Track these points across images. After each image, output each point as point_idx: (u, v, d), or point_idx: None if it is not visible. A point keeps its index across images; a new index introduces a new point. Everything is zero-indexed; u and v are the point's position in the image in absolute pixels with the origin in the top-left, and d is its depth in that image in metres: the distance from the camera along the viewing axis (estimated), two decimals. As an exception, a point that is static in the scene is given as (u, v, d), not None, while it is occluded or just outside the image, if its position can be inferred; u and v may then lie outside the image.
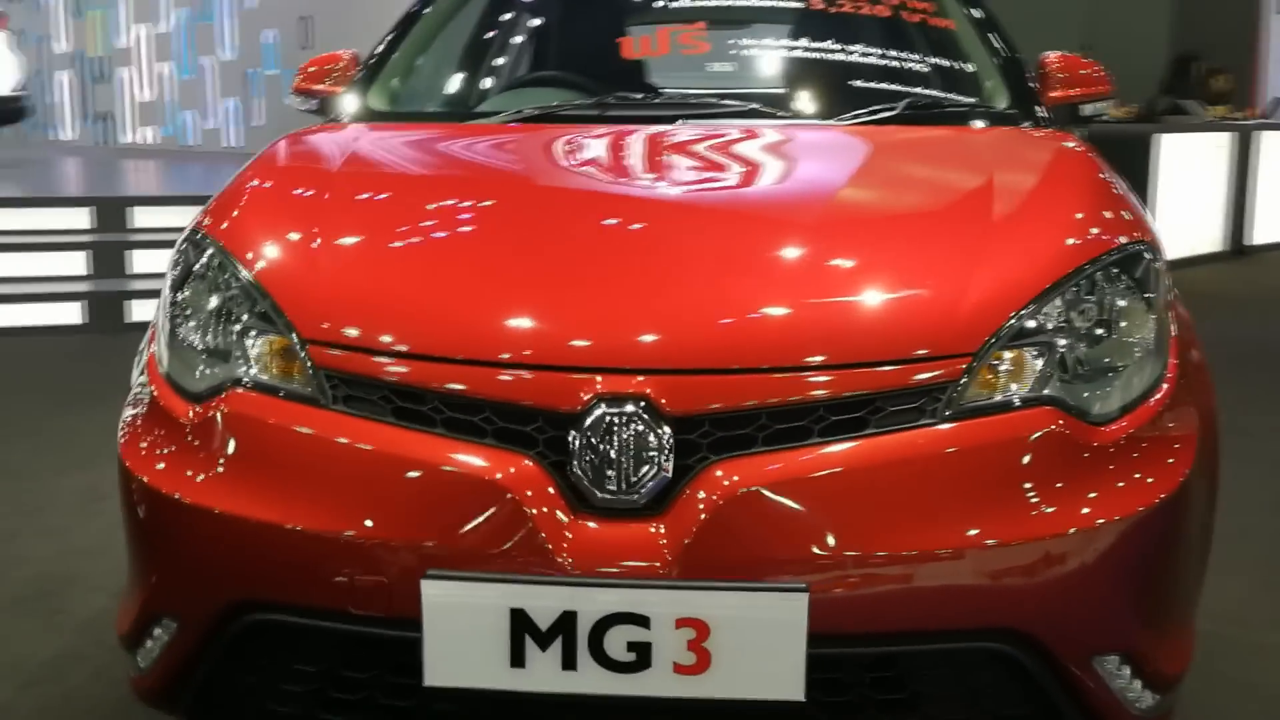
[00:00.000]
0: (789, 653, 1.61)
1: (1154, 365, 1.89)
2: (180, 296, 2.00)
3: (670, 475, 1.66)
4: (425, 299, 1.86)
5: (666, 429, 1.67)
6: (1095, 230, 2.01)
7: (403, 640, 1.67)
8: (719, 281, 1.85)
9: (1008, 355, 1.78)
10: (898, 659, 1.68)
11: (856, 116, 2.58)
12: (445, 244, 2.03)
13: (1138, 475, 1.76)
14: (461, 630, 1.64)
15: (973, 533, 1.66)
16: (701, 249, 1.92)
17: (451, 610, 1.64)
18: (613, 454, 1.66)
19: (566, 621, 1.62)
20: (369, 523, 1.70)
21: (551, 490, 1.67)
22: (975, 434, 1.71)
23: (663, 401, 1.68)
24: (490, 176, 2.43)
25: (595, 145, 2.51)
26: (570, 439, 1.68)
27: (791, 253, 1.96)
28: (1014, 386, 1.77)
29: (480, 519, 1.67)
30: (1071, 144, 2.46)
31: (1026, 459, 1.71)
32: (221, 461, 1.81)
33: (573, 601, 1.62)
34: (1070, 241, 1.96)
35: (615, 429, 1.67)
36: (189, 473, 1.83)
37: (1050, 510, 1.69)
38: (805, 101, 2.89)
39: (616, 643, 1.62)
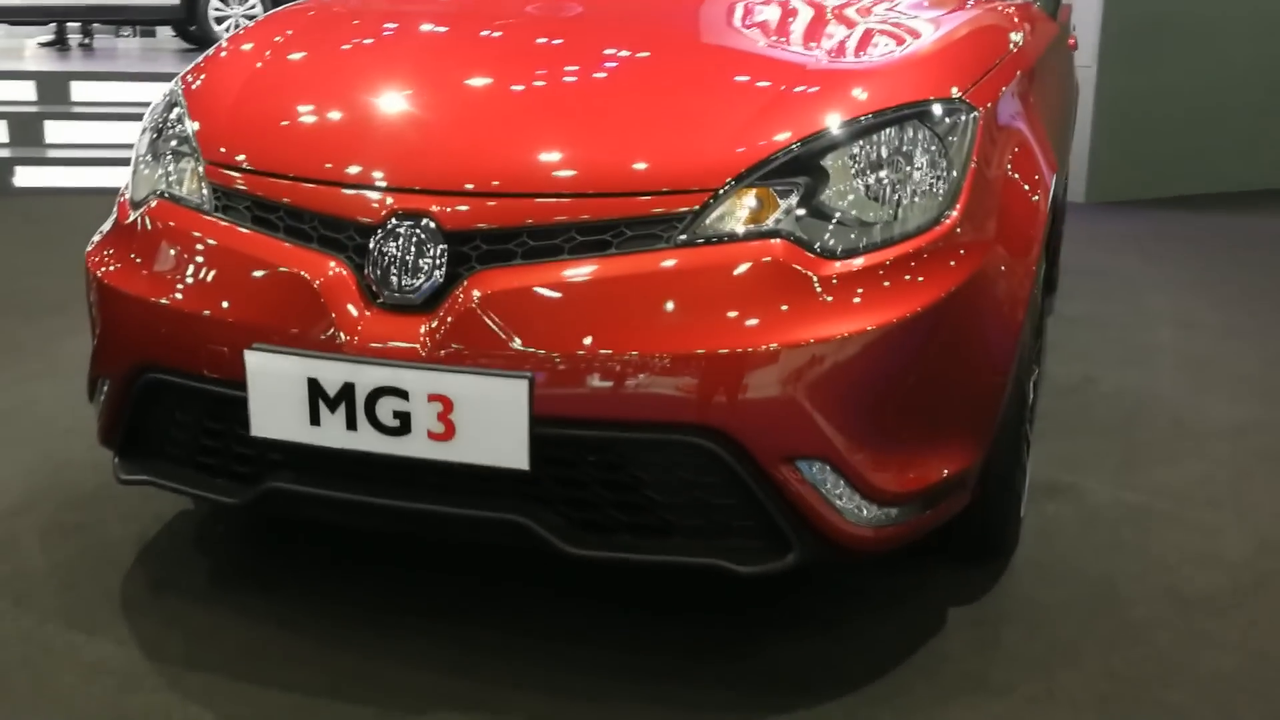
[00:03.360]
0: (514, 428, 1.94)
1: (921, 214, 2.06)
2: (148, 134, 2.47)
3: (443, 280, 2.01)
4: (281, 130, 2.29)
5: (443, 242, 2.01)
6: (890, 84, 2.19)
7: (240, 399, 2.10)
8: (506, 120, 2.19)
9: (753, 192, 2.01)
10: (615, 444, 1.98)
11: None
12: (316, 87, 2.41)
13: (862, 307, 1.96)
14: (274, 393, 2.05)
15: (683, 341, 1.92)
16: (507, 93, 2.26)
17: (267, 376, 2.05)
18: (397, 260, 2.02)
19: (347, 391, 2.00)
20: (221, 304, 2.13)
21: (351, 287, 2.05)
22: (703, 259, 1.97)
23: (443, 219, 2.02)
24: (387, 31, 2.76)
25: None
26: (370, 246, 2.05)
27: (579, 96, 2.25)
28: (751, 220, 2.00)
29: (295, 305, 2.06)
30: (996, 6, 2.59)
31: (746, 283, 1.95)
32: (137, 255, 2.28)
33: (351, 375, 2.00)
34: (856, 92, 2.16)
35: (401, 240, 2.02)
36: (116, 264, 2.30)
37: (758, 328, 1.93)
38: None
39: (385, 410, 1.99)
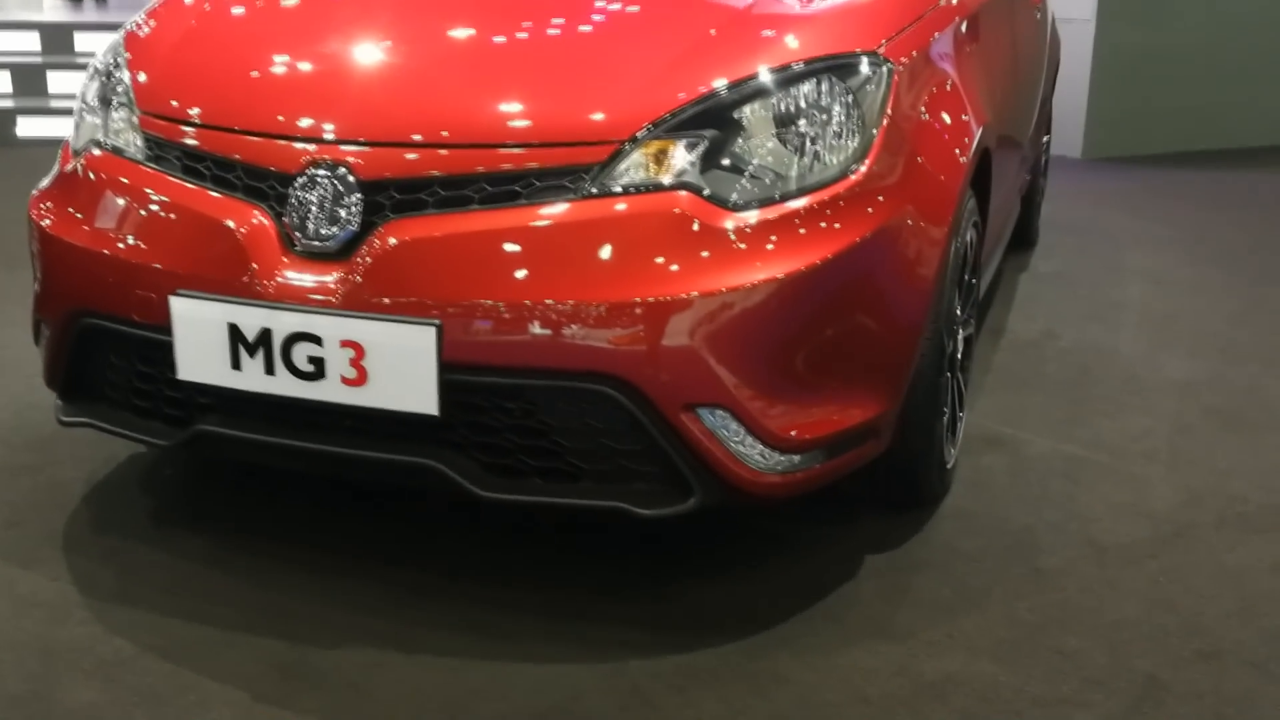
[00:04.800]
0: (424, 375, 2.00)
1: (828, 167, 2.10)
2: (91, 83, 2.52)
3: (357, 228, 2.06)
4: (209, 81, 2.34)
5: (358, 191, 2.06)
6: (805, 38, 2.22)
7: (168, 343, 2.16)
8: (422, 72, 2.25)
9: (660, 144, 2.05)
10: (523, 391, 2.03)
11: None
12: (246, 40, 2.47)
13: (762, 259, 2.01)
14: (197, 338, 2.11)
15: (586, 291, 1.97)
16: (424, 45, 2.32)
17: (190, 322, 2.11)
18: (314, 208, 2.07)
19: (265, 336, 2.06)
20: (150, 251, 2.19)
21: (271, 235, 2.10)
22: (608, 210, 2.01)
23: (359, 168, 2.07)
24: None
25: None
26: (289, 194, 2.10)
27: (493, 47, 2.30)
28: (658, 172, 2.04)
29: (218, 252, 2.12)
30: None
31: (649, 235, 2.00)
32: (75, 203, 2.35)
33: (269, 320, 2.05)
34: (769, 46, 2.19)
35: (319, 188, 2.08)
36: (55, 212, 2.37)
37: (658, 279, 1.97)
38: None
39: (300, 356, 2.05)
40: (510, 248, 2.01)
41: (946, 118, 2.41)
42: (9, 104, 7.46)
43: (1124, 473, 2.81)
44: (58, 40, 8.05)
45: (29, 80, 7.65)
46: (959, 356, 2.66)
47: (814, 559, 2.39)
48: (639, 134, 2.04)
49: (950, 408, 2.61)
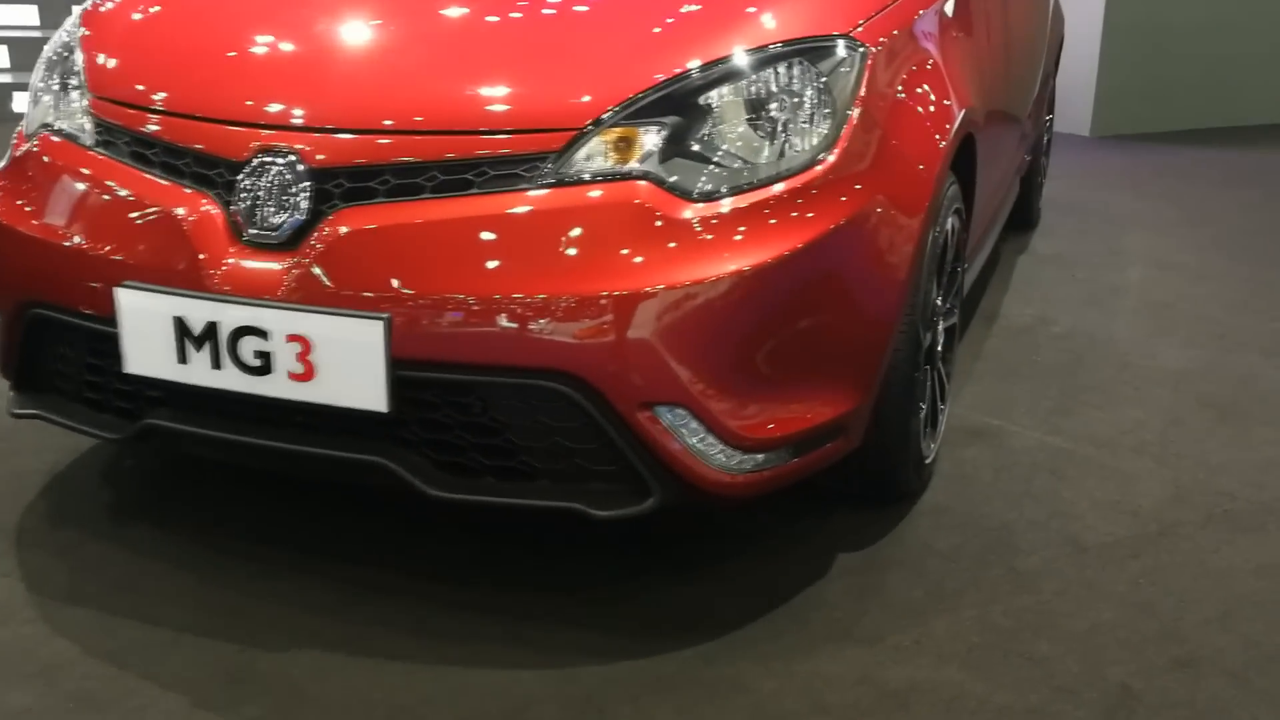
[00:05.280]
0: (372, 370, 1.93)
1: (795, 156, 2.02)
2: (45, 66, 2.45)
3: (305, 218, 1.98)
4: (159, 65, 2.27)
5: (307, 180, 1.99)
6: (772, 20, 2.13)
7: (116, 335, 2.10)
8: (373, 57, 2.17)
9: (619, 131, 1.97)
10: (475, 387, 1.96)
11: None
12: (197, 25, 2.39)
13: (723, 252, 1.93)
14: (143, 330, 2.05)
15: (540, 284, 1.89)
16: (377, 30, 2.23)
17: (136, 314, 2.05)
18: (262, 197, 2.00)
19: (211, 330, 1.99)
20: (97, 240, 2.12)
21: (219, 224, 2.03)
22: (563, 200, 1.94)
23: (308, 156, 2.00)
24: None
25: None
26: (237, 182, 2.03)
27: (448, 31, 2.22)
28: (616, 160, 1.96)
29: (165, 242, 2.06)
30: None
31: (605, 226, 1.92)
32: (25, 188, 2.28)
33: (215, 313, 1.99)
34: (734, 28, 2.11)
35: (266, 177, 2.01)
36: (5, 197, 2.30)
37: (614, 272, 1.90)
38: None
39: (247, 350, 1.98)
40: (463, 239, 1.93)
41: (925, 102, 2.32)
42: (6, 79, 7.41)
43: (1111, 467, 2.74)
44: (57, 14, 7.98)
45: (27, 55, 7.59)
46: (940, 348, 2.58)
47: (782, 557, 2.32)
48: (597, 120, 1.96)
49: (930, 401, 2.54)
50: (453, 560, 2.28)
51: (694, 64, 2.02)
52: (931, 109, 2.34)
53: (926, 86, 2.35)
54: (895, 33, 2.29)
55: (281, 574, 2.22)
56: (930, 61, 2.41)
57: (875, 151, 2.13)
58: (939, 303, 2.53)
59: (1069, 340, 3.57)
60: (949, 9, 2.68)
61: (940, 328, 2.56)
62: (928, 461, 2.55)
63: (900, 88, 2.25)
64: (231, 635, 2.04)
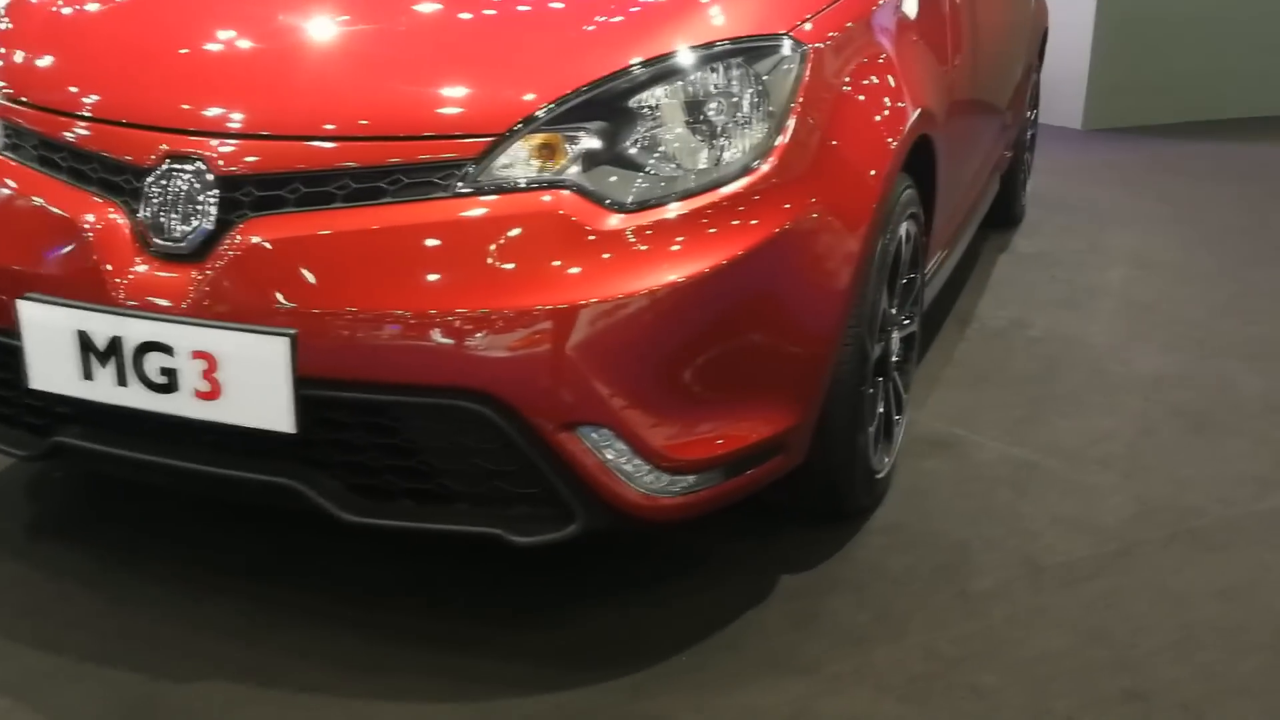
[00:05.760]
0: (278, 389, 1.83)
1: (726, 164, 1.91)
2: None
3: (213, 228, 1.89)
4: (69, 67, 2.18)
5: (215, 188, 1.89)
6: (704, 19, 2.03)
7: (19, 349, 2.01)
8: (283, 60, 2.06)
9: (541, 138, 1.87)
10: (388, 407, 1.86)
11: None
12: (107, 26, 2.29)
13: (649, 265, 1.83)
14: (47, 345, 1.95)
15: (455, 299, 1.80)
16: (287, 33, 2.12)
17: (39, 327, 1.95)
18: (168, 206, 1.91)
19: (116, 345, 1.90)
20: (1, 250, 2.03)
21: (125, 234, 1.94)
22: (480, 210, 1.83)
23: (215, 162, 1.90)
24: None
25: None
26: (144, 190, 1.93)
27: (365, 33, 2.11)
28: (537, 168, 1.86)
29: (70, 252, 1.96)
30: None
31: (524, 237, 1.82)
32: (-65, 193, 2.19)
33: (119, 328, 1.89)
34: (664, 29, 2.00)
35: (173, 184, 1.91)
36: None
37: (533, 286, 1.80)
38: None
39: (153, 366, 1.89)
40: (374, 250, 1.83)
41: (875, 103, 2.22)
42: None
43: (1075, 481, 2.64)
44: None
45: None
46: (895, 359, 2.48)
47: (722, 579, 2.22)
48: (518, 125, 1.86)
49: (886, 413, 2.44)
50: (378, 582, 2.19)
51: (624, 65, 1.92)
52: (882, 110, 2.24)
53: (877, 86, 2.25)
54: (842, 30, 2.19)
55: (199, 595, 2.13)
56: (882, 59, 2.30)
57: (816, 156, 2.02)
58: (894, 312, 2.43)
59: (1043, 344, 3.47)
60: (908, 4, 2.57)
61: (895, 338, 2.46)
62: (880, 477, 2.45)
63: (846, 88, 2.14)
64: (139, 664, 1.95)
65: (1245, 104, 7.46)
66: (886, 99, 2.26)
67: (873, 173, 2.15)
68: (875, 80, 2.26)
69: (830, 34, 2.14)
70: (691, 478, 1.95)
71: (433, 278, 1.82)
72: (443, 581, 2.19)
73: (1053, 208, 5.11)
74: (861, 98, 2.18)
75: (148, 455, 1.99)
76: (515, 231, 1.83)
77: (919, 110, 2.39)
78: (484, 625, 2.07)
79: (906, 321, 2.56)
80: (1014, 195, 4.67)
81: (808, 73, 2.03)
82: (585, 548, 2.21)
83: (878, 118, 2.22)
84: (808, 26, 2.08)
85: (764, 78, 1.98)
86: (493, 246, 1.83)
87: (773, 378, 2.01)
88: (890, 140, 2.23)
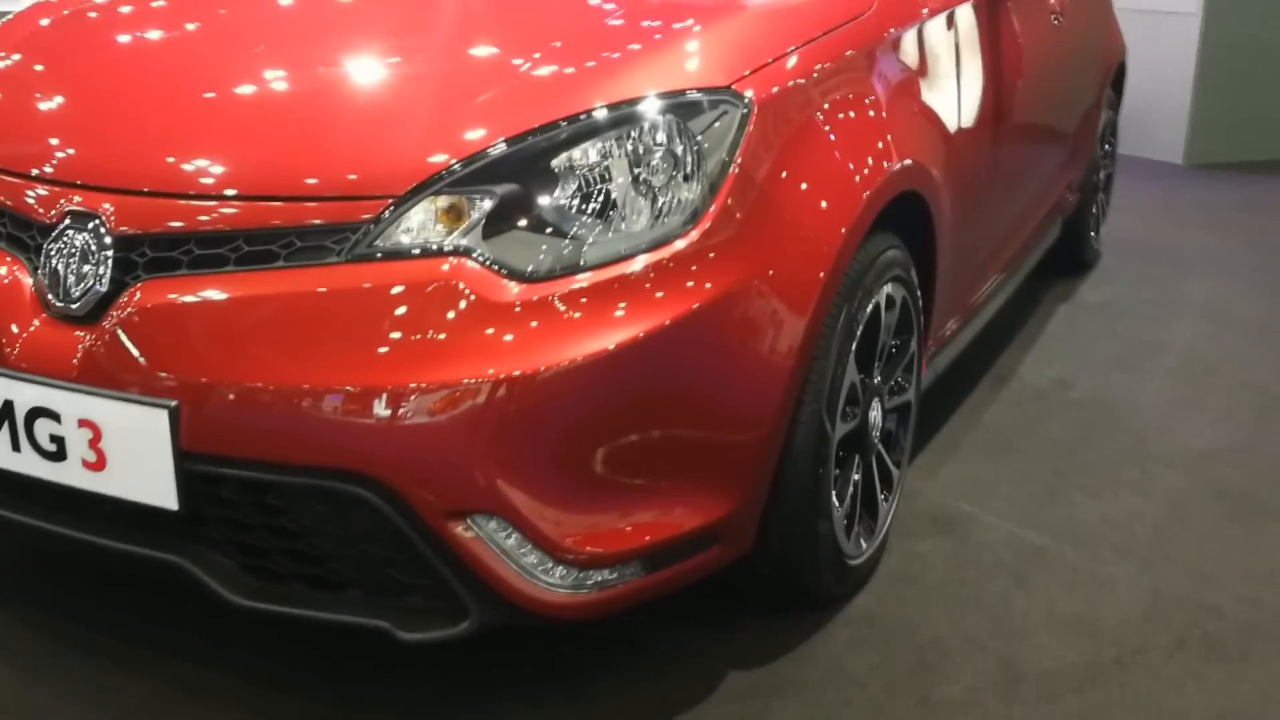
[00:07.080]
0: (160, 463, 1.73)
1: (648, 230, 1.75)
2: None
3: (105, 289, 1.79)
4: None
5: (110, 247, 1.80)
6: (629, 74, 1.88)
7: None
8: (183, 119, 1.97)
9: (441, 200, 1.73)
10: (270, 487, 1.74)
11: None
12: (15, 80, 2.23)
13: (550, 340, 1.67)
14: (-57, 407, 1.89)
15: (336, 374, 1.67)
16: (191, 92, 2.04)
17: (-66, 388, 1.89)
18: (63, 265, 1.82)
19: (8, 409, 1.82)
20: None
21: (25, 293, 1.85)
22: (370, 278, 1.71)
23: (110, 221, 1.81)
24: (97, 33, 2.46)
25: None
26: (45, 247, 1.85)
27: (267, 94, 2.01)
28: (435, 233, 1.72)
29: (-31, 311, 1.89)
30: None
31: (415, 308, 1.68)
32: None
33: (10, 391, 1.81)
34: (584, 84, 1.85)
35: (71, 242, 1.82)
36: None
37: (419, 362, 1.66)
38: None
39: (43, 433, 1.80)
40: (260, 318, 1.72)
41: (839, 160, 2.02)
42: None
43: (1084, 571, 2.39)
44: None
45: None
46: (879, 433, 2.28)
47: (663, 675, 2.04)
48: (417, 188, 1.73)
49: (867, 492, 2.24)
50: (296, 661, 2.05)
51: (531, 126, 1.77)
52: (849, 166, 2.04)
53: (847, 140, 2.05)
54: (808, 78, 2.01)
55: (105, 669, 2.02)
56: (852, 112, 2.10)
57: (756, 220, 1.84)
58: (874, 382, 2.23)
59: (1083, 408, 3.21)
60: (905, 44, 2.37)
61: (878, 412, 2.26)
62: (857, 563, 2.24)
63: (805, 143, 1.96)
64: (22, 744, 1.87)
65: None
66: (854, 156, 2.06)
67: (827, 238, 1.96)
68: (845, 134, 2.06)
69: (790, 82, 1.96)
70: (606, 572, 1.78)
71: (314, 350, 1.69)
72: (359, 667, 2.04)
73: (1131, 252, 4.80)
74: (819, 156, 1.99)
75: (40, 522, 1.90)
76: (403, 301, 1.69)
77: (903, 163, 2.19)
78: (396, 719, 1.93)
79: (895, 392, 2.36)
80: (1081, 240, 4.38)
81: (750, 128, 1.85)
82: (507, 633, 2.05)
83: (840, 178, 2.02)
84: (754, 78, 1.90)
85: (698, 136, 1.81)
86: (378, 317, 1.69)
87: (701, 463, 1.84)
88: (861, 196, 2.04)
